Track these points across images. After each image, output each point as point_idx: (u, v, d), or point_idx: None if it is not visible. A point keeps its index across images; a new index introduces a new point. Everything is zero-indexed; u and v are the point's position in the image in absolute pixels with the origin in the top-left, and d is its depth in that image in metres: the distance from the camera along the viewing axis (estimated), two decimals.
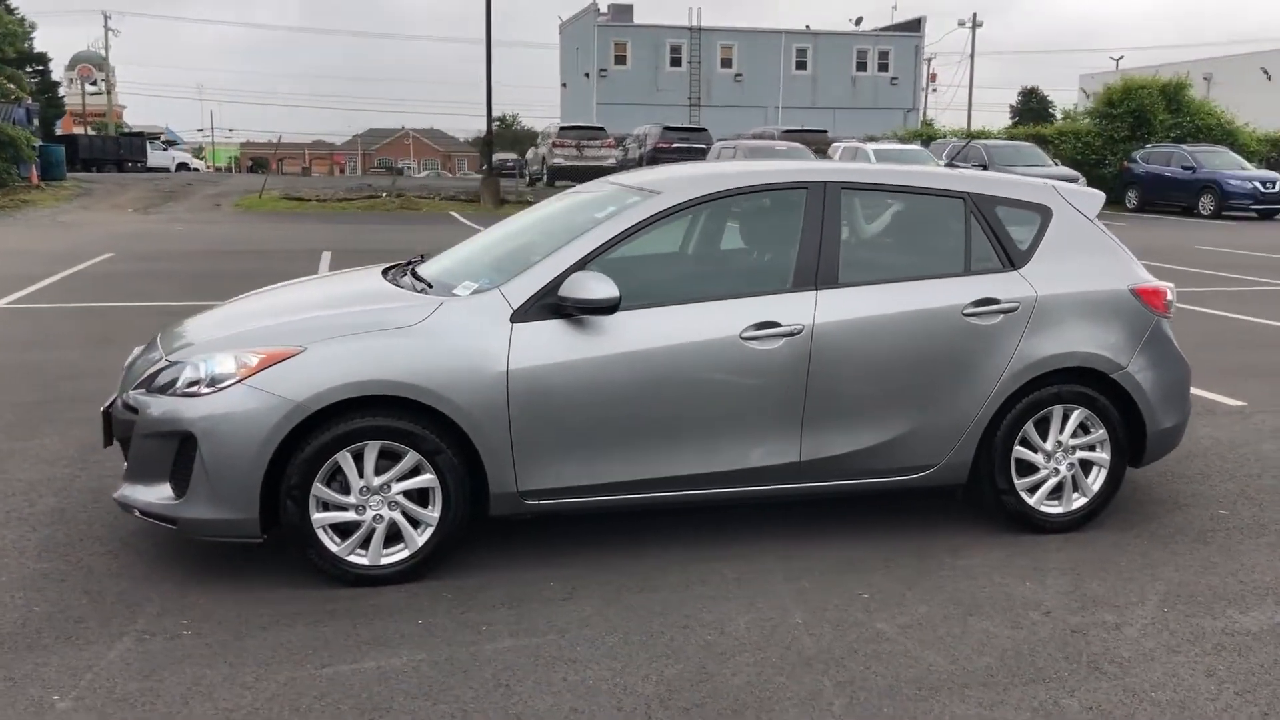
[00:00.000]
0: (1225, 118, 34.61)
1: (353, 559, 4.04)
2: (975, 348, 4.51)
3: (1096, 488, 4.74)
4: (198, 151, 79.66)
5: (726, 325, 4.29)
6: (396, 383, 3.94)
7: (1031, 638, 3.73)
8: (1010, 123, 62.25)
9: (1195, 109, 34.62)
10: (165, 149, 57.69)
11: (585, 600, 3.99)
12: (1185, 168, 28.58)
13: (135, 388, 4.19)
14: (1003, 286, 4.60)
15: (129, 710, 3.17)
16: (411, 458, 4.01)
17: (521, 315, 4.13)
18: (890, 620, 3.86)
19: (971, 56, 59.64)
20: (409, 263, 5.19)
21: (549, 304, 4.15)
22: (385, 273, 4.98)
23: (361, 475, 3.99)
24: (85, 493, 5.03)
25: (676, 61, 61.50)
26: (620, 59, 61.41)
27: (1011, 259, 4.68)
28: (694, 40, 60.96)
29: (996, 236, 4.70)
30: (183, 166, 54.96)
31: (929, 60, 67.50)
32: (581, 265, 4.21)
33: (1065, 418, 4.66)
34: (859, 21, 67.96)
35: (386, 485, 4.02)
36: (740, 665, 3.51)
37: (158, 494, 4.04)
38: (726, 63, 62.67)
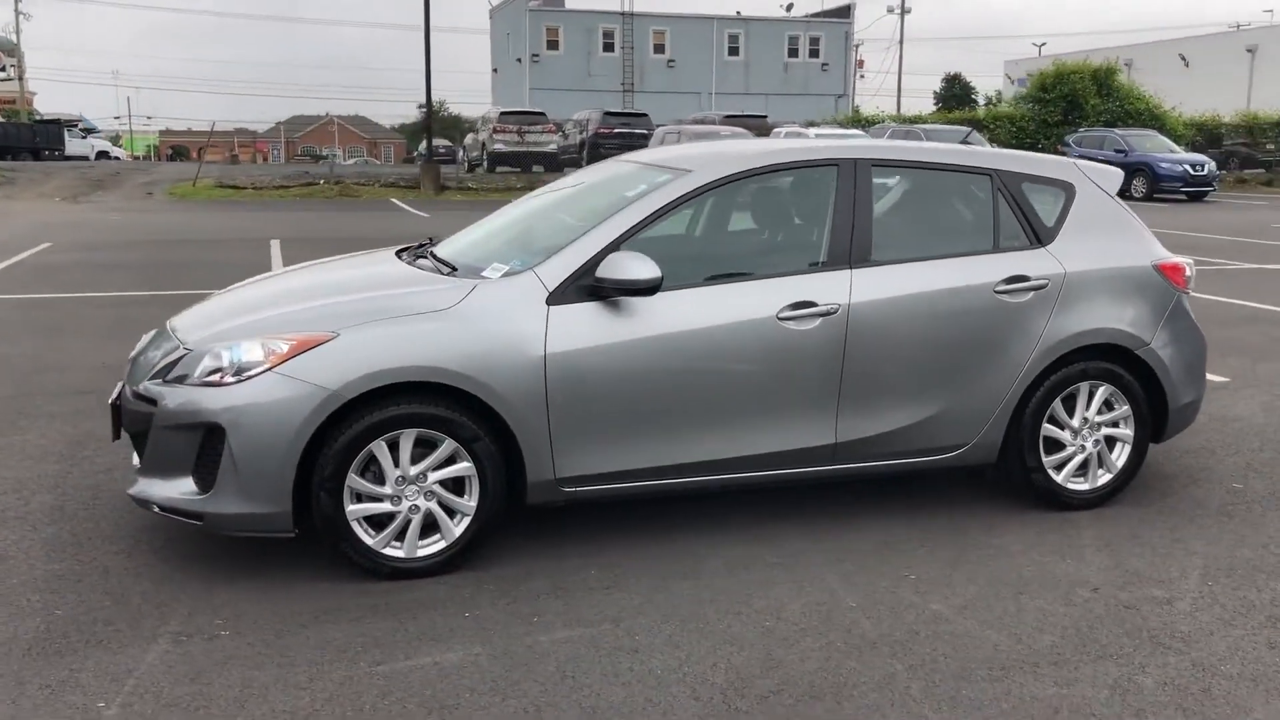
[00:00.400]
0: (1153, 102, 35.43)
1: (388, 551, 3.89)
2: (1007, 325, 4.48)
3: (1121, 464, 4.75)
4: (115, 139, 77.24)
5: (763, 305, 4.20)
6: (434, 368, 3.80)
7: (1088, 615, 3.71)
8: (935, 108, 63.07)
9: (1125, 94, 35.41)
10: (84, 137, 55.88)
11: (631, 588, 3.89)
12: (1118, 151, 29.10)
13: (150, 378, 3.98)
14: (1032, 263, 4.57)
15: (182, 715, 3.01)
16: (448, 446, 3.86)
17: (557, 297, 4.00)
18: (944, 601, 3.81)
19: (901, 43, 60.34)
20: (421, 245, 5.02)
21: (585, 285, 4.02)
22: (399, 255, 4.81)
23: (397, 465, 3.84)
24: (82, 489, 4.79)
25: (609, 47, 61.21)
26: (553, 44, 60.95)
27: (1039, 236, 4.66)
28: (626, 25, 60.69)
29: (1024, 213, 4.67)
30: (103, 155, 53.28)
31: (857, 46, 68.07)
32: (617, 245, 4.08)
33: (1091, 394, 4.65)
34: (790, 8, 68.33)
35: (422, 474, 3.87)
36: (807, 651, 3.43)
37: (180, 489, 3.85)
38: (659, 48, 62.52)
